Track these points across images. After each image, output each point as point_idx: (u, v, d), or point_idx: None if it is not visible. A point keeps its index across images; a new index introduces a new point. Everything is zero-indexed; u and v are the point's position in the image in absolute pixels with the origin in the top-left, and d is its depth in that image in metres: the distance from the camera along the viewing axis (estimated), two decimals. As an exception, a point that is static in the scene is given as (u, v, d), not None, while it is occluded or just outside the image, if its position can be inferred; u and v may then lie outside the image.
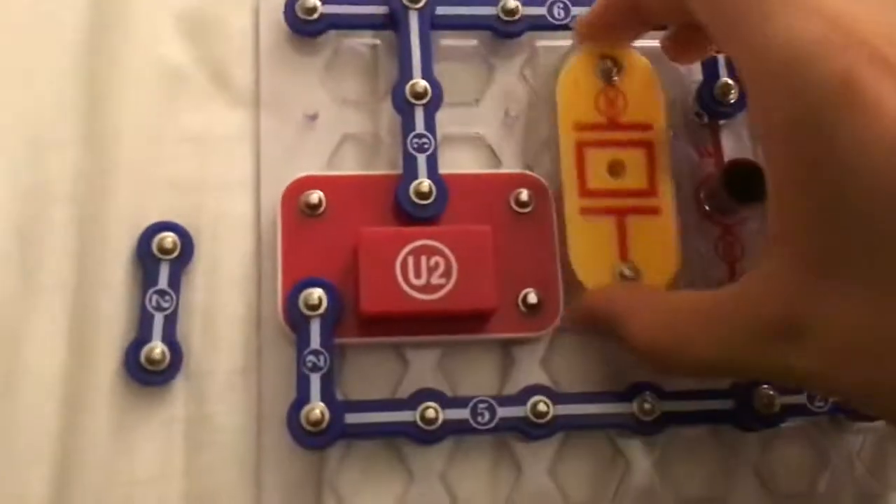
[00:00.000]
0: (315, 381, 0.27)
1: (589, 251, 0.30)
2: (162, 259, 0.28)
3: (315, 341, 0.27)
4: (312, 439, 0.27)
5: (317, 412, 0.27)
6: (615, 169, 0.30)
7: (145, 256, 0.28)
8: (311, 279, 0.28)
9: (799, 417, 0.29)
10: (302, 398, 0.27)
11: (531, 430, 0.28)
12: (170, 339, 0.28)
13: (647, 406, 0.29)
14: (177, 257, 0.28)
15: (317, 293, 0.27)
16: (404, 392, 0.28)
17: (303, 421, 0.27)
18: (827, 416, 0.30)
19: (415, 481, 0.28)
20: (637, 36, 0.30)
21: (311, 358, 0.27)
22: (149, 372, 0.27)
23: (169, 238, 0.28)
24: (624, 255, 0.30)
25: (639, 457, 0.30)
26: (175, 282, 0.28)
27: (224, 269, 0.29)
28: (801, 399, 0.29)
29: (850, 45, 0.21)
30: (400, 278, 0.27)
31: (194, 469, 0.28)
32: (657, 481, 0.29)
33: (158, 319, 0.28)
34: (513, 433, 0.28)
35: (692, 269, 0.30)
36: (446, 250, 0.28)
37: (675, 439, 0.30)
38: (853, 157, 0.20)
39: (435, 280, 0.27)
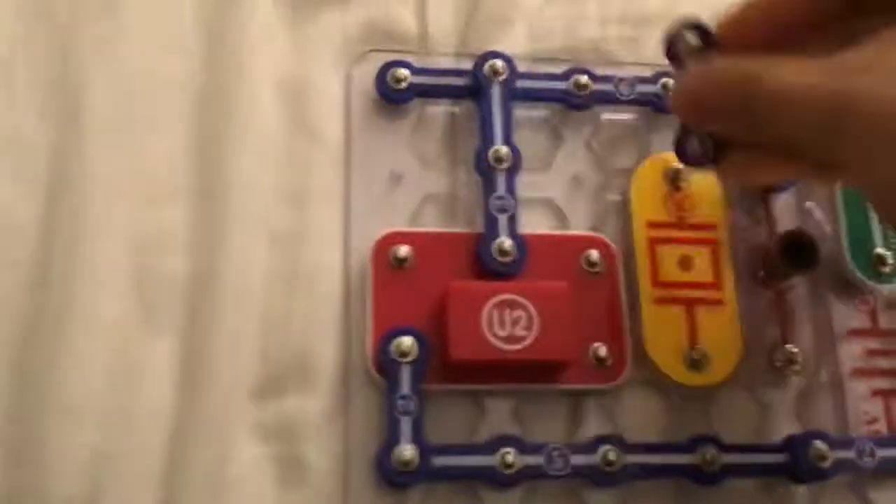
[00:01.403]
0: (406, 423, 0.29)
1: (662, 337, 0.32)
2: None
3: (405, 387, 0.29)
4: (402, 478, 0.29)
5: (407, 453, 0.28)
6: (684, 264, 0.33)
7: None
8: (402, 328, 0.30)
9: (848, 472, 0.31)
10: (393, 440, 0.29)
11: (601, 477, 0.30)
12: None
13: (708, 458, 0.31)
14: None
15: (408, 341, 0.29)
16: (480, 437, 0.30)
17: (393, 462, 0.28)
18: (872, 471, 0.32)
19: (492, 521, 0.30)
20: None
21: (402, 402, 0.29)
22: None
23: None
24: (694, 341, 0.32)
25: (699, 504, 0.31)
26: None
27: (317, 317, 0.31)
28: (850, 454, 0.31)
29: None
30: (485, 329, 0.29)
31: (285, 505, 0.29)
32: (715, 529, 0.31)
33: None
34: (584, 480, 0.30)
35: (748, 333, 0.33)
36: (528, 304, 0.30)
37: (728, 487, 0.32)
38: None
39: (518, 332, 0.29)
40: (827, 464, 0.31)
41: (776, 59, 0.25)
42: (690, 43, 0.27)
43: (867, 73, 0.23)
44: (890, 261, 0.33)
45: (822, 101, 0.24)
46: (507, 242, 0.31)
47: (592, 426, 0.31)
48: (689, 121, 0.30)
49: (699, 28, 0.27)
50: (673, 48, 0.27)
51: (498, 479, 0.29)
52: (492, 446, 0.30)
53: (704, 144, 0.30)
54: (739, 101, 0.27)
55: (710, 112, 0.28)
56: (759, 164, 0.29)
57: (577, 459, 0.30)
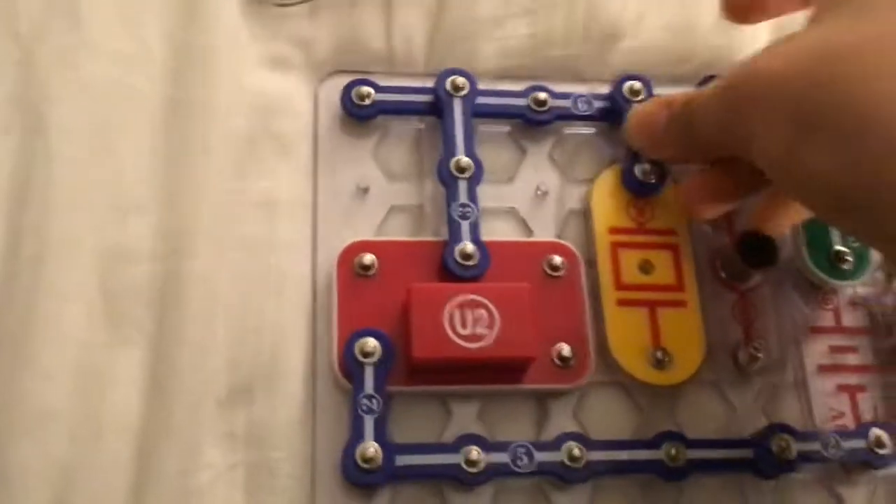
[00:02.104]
0: (369, 422, 0.29)
1: (626, 338, 0.33)
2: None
3: (369, 386, 0.30)
4: (365, 477, 0.29)
5: (371, 450, 0.29)
6: (645, 267, 0.34)
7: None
8: (366, 330, 0.30)
9: (814, 464, 0.32)
10: (357, 438, 0.29)
11: (566, 473, 0.30)
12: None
13: (673, 453, 0.31)
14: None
15: (371, 342, 0.30)
16: (447, 439, 0.31)
17: (357, 459, 0.29)
18: (840, 464, 0.32)
19: (460, 522, 0.30)
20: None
21: (365, 402, 0.30)
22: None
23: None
24: (657, 342, 0.33)
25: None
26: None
27: (284, 325, 0.32)
28: (815, 446, 0.31)
29: None
30: (448, 328, 0.30)
31: (254, 510, 0.29)
32: (684, 527, 0.31)
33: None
34: (549, 477, 0.31)
35: (711, 333, 0.33)
36: (489, 304, 0.30)
37: (697, 486, 0.32)
38: None
39: (479, 330, 0.30)
40: (792, 455, 0.31)
41: None
42: None
43: (767, 53, 0.26)
44: (849, 258, 0.33)
45: (728, 92, 0.28)
46: (469, 247, 0.32)
47: (557, 426, 0.32)
48: (641, 143, 0.32)
49: None
50: None
51: (463, 478, 0.30)
52: (456, 445, 0.30)
53: (650, 170, 0.33)
54: (682, 123, 0.30)
55: (661, 135, 0.31)
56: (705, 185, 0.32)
57: (542, 456, 0.30)
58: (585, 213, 0.35)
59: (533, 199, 0.35)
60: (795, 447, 0.31)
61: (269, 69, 0.35)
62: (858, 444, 0.31)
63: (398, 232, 0.34)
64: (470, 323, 0.30)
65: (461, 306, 0.30)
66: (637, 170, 0.34)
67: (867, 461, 0.31)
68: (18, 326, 0.30)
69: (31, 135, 0.32)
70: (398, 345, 0.30)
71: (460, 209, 0.33)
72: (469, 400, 0.32)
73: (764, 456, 0.31)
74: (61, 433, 0.29)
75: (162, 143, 0.32)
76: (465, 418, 0.31)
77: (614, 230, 0.34)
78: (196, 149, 0.32)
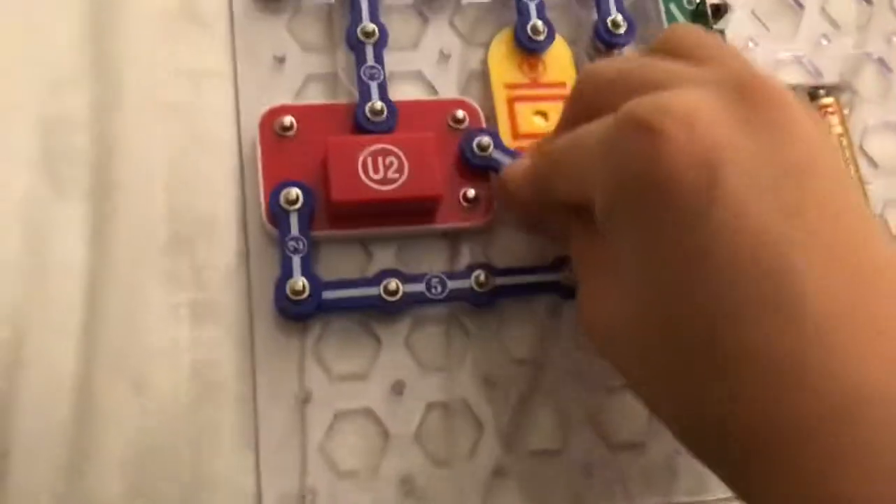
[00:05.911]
0: (296, 261, 0.33)
1: None
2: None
3: (294, 230, 0.33)
4: (296, 308, 0.33)
5: (299, 283, 0.32)
6: (541, 117, 0.37)
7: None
8: (288, 181, 0.34)
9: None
10: (286, 275, 0.33)
11: (476, 298, 0.34)
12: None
13: (569, 274, 0.35)
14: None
15: (294, 191, 0.33)
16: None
17: (288, 292, 0.32)
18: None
19: (383, 347, 0.34)
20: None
21: (292, 243, 0.33)
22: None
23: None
24: None
25: (567, 322, 0.36)
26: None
27: (216, 181, 0.35)
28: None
29: None
30: (362, 174, 0.33)
31: (198, 343, 0.33)
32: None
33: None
34: (461, 302, 0.35)
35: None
36: (398, 152, 0.34)
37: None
38: None
39: (390, 175, 0.34)
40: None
41: None
42: None
43: None
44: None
45: None
46: (378, 104, 0.35)
47: (468, 260, 0.35)
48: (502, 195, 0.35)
49: None
50: None
51: (383, 307, 0.33)
52: (377, 279, 0.34)
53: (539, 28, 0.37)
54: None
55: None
56: None
57: (454, 284, 0.34)
58: (485, 73, 0.38)
59: (437, 61, 0.38)
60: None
61: None
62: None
63: (315, 98, 0.37)
64: (382, 169, 0.34)
65: (373, 155, 0.34)
66: (528, 27, 0.37)
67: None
68: None
69: None
70: (319, 193, 0.34)
71: (368, 71, 0.36)
72: (387, 243, 0.35)
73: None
74: (13, 279, 0.32)
75: (88, 15, 0.35)
76: (384, 259, 0.35)
77: (510, 86, 0.38)
78: (122, 17, 0.35)
